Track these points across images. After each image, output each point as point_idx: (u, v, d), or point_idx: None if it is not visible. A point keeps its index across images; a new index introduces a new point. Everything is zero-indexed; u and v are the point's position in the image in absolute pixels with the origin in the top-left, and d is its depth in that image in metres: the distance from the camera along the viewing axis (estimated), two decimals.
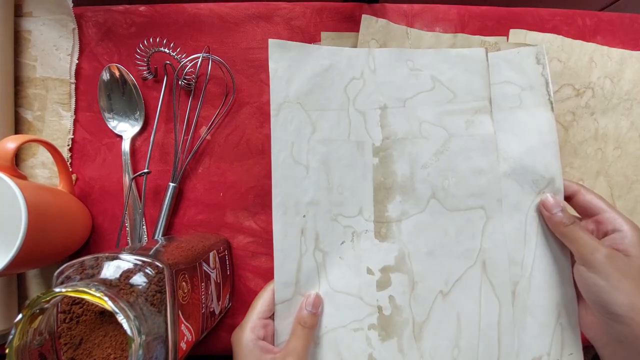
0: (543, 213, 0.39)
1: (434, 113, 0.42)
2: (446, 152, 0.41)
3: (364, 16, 0.48)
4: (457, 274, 0.40)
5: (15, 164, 0.46)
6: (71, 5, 0.47)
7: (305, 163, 0.41)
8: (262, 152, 0.48)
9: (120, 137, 0.48)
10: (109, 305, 0.25)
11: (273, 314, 0.40)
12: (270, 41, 0.40)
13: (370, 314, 0.40)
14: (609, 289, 0.33)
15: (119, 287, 0.28)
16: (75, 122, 0.48)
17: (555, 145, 0.41)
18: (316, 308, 0.38)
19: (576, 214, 0.40)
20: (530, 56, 0.42)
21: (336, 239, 0.41)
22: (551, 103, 0.42)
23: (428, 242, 0.41)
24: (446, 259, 0.41)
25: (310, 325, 0.37)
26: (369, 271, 0.41)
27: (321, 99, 0.41)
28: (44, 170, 0.47)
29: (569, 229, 0.37)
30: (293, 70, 0.41)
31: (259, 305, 0.38)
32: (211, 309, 0.40)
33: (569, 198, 0.40)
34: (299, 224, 0.40)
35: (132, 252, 0.31)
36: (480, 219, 0.41)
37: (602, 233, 0.37)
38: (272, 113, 0.40)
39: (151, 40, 0.46)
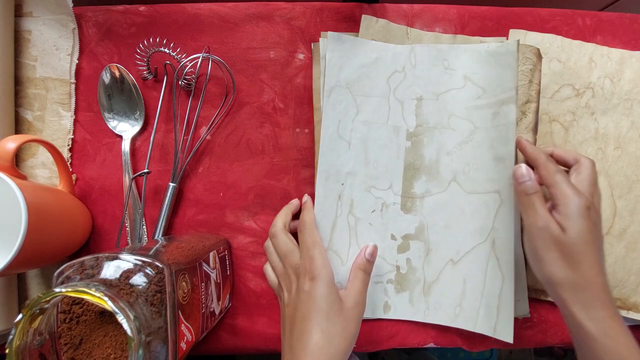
0: (513, 182, 0.41)
1: (462, 108, 0.47)
2: (470, 142, 0.46)
3: (363, 16, 0.48)
4: (468, 247, 0.46)
5: (16, 164, 0.46)
6: (71, 5, 0.47)
7: (348, 139, 0.46)
8: (262, 152, 0.48)
9: (120, 137, 0.48)
10: (108, 305, 0.25)
11: None
12: (330, 33, 0.46)
13: (390, 271, 0.47)
14: (534, 258, 0.38)
15: (119, 287, 0.28)
16: (75, 122, 0.48)
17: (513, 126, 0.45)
18: (374, 258, 0.42)
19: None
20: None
21: (368, 207, 0.47)
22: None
23: (445, 218, 0.47)
24: (460, 233, 0.46)
25: (369, 270, 0.42)
26: (393, 237, 0.47)
27: (366, 86, 0.47)
28: (44, 170, 0.47)
29: (528, 197, 0.39)
30: (345, 59, 0.46)
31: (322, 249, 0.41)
32: (211, 309, 0.40)
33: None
34: (337, 190, 0.46)
35: (132, 252, 0.31)
36: (494, 202, 0.45)
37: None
38: (325, 94, 0.46)
39: (151, 40, 0.46)
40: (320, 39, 0.47)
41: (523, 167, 0.40)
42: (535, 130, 0.47)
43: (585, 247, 0.36)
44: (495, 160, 0.45)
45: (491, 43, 0.47)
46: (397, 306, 0.47)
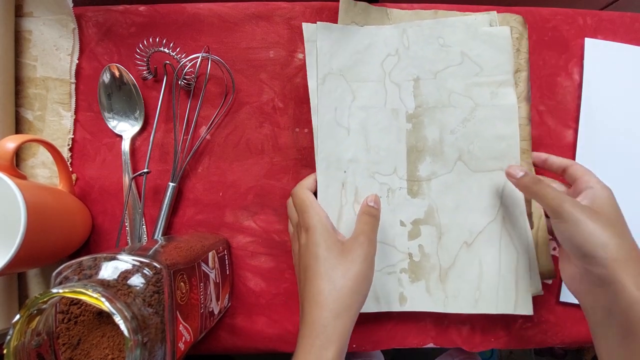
0: (511, 181, 0.42)
1: (462, 85, 0.46)
2: (472, 119, 0.46)
3: (342, 0, 0.47)
4: (480, 226, 0.45)
5: (16, 164, 0.47)
6: (71, 5, 0.47)
7: (347, 126, 0.46)
8: (261, 151, 0.48)
9: (120, 137, 0.48)
10: (105, 306, 0.25)
11: None
12: (319, 23, 0.46)
13: (402, 260, 0.46)
14: (580, 233, 0.34)
15: (117, 288, 0.28)
16: (76, 122, 0.48)
17: None
18: (378, 205, 0.41)
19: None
20: (485, 22, 0.47)
21: (373, 194, 0.44)
22: None
23: (454, 199, 0.46)
24: (470, 213, 0.46)
25: (375, 215, 0.40)
26: (402, 223, 0.46)
27: (361, 72, 0.46)
28: (44, 170, 0.47)
29: (536, 186, 0.39)
30: (336, 47, 0.46)
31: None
32: (210, 309, 0.40)
33: (563, 172, 0.43)
34: (340, 178, 0.45)
35: (130, 252, 0.31)
36: (500, 180, 0.45)
37: (578, 192, 0.39)
38: (318, 82, 0.45)
39: (151, 40, 0.46)
40: (303, 26, 0.46)
41: (513, 166, 0.42)
42: (528, 99, 0.47)
43: (620, 215, 0.36)
44: (498, 139, 0.45)
45: (478, 16, 0.47)
46: (414, 297, 0.45)
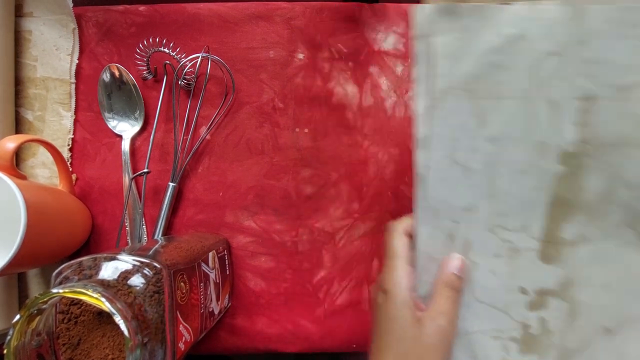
0: None
1: None
2: None
3: None
4: (634, 314, 0.33)
5: (16, 164, 0.47)
6: (71, 5, 0.47)
7: (464, 163, 0.33)
8: (261, 152, 0.48)
9: (120, 137, 0.48)
10: (106, 306, 0.25)
11: None
12: (439, 6, 0.30)
13: (515, 329, 0.34)
14: None
15: (117, 288, 0.28)
16: (76, 122, 0.48)
17: None
18: (462, 272, 0.34)
19: None
20: None
21: (489, 251, 0.34)
22: None
23: (605, 275, 0.33)
24: (622, 296, 0.33)
25: (458, 287, 0.33)
26: (522, 290, 0.34)
27: (498, 83, 0.31)
28: (44, 170, 0.47)
29: None
30: (465, 44, 0.31)
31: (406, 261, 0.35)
32: (210, 309, 0.40)
33: None
34: (447, 229, 0.34)
35: (131, 252, 0.31)
36: None
37: None
38: (433, 102, 0.32)
39: (151, 40, 0.46)
40: (416, 11, 0.31)
41: None
42: None
43: None
44: None
45: None
46: None
